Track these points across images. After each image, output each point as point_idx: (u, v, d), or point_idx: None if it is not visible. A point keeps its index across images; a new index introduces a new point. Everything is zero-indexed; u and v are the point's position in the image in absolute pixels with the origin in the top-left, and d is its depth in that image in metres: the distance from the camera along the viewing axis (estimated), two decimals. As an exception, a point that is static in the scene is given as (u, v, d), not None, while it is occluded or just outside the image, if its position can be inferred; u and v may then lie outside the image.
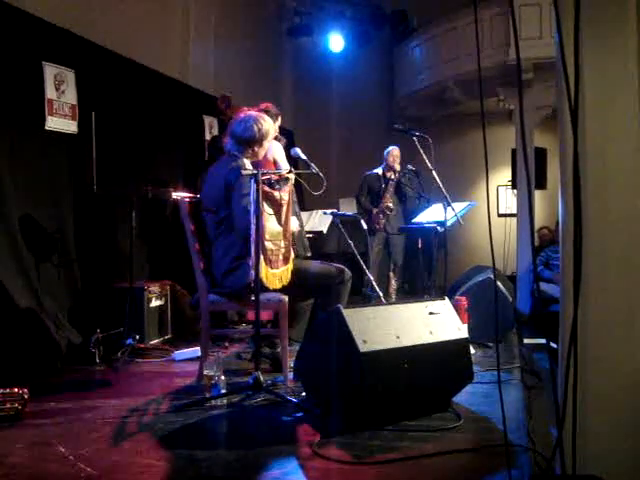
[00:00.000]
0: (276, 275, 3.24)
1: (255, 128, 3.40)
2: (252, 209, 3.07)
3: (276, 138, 4.28)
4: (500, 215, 9.53)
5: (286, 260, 3.32)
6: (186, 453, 2.37)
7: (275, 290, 3.30)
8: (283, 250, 3.29)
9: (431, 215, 5.39)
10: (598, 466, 1.77)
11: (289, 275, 3.32)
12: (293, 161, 4.21)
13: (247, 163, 3.40)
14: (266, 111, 4.13)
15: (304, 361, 2.96)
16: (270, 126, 3.49)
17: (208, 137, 6.51)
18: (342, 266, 3.63)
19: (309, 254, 3.84)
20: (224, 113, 4.06)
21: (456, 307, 3.63)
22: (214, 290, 3.43)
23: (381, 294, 4.02)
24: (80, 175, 4.63)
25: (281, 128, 4.89)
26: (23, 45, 4.19)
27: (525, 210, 7.62)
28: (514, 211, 8.37)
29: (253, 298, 3.11)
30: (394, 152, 6.52)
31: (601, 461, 1.80)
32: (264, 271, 3.14)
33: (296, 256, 3.71)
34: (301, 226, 3.83)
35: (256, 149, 3.46)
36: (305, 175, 3.84)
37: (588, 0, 1.73)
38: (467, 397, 3.08)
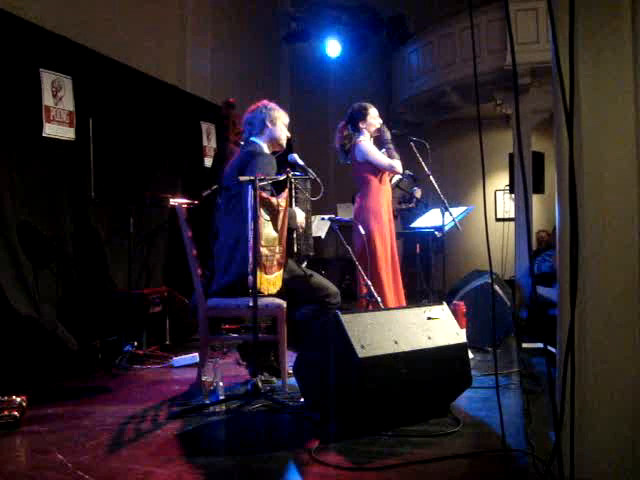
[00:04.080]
0: (270, 281, 3.25)
1: (263, 110, 3.61)
2: (250, 216, 3.07)
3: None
4: (498, 219, 9.56)
5: (280, 265, 3.32)
6: (185, 460, 2.37)
7: (271, 295, 3.30)
8: (278, 256, 3.30)
9: (429, 220, 5.40)
10: (596, 470, 1.77)
11: (281, 280, 3.33)
12: (290, 167, 4.22)
13: (265, 147, 3.55)
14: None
15: (302, 367, 2.96)
16: (279, 112, 3.65)
17: (206, 143, 6.52)
18: (338, 290, 3.64)
19: (312, 253, 3.85)
20: (227, 118, 4.09)
21: (454, 312, 3.64)
22: (213, 290, 3.44)
23: (379, 299, 4.01)
24: (78, 182, 4.63)
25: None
26: (20, 52, 4.19)
27: (523, 214, 7.61)
28: (512, 215, 8.39)
29: (251, 304, 3.11)
30: None
31: (599, 466, 1.80)
32: (258, 277, 3.14)
33: (299, 253, 3.72)
34: (306, 225, 3.82)
35: (270, 127, 3.59)
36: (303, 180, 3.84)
37: (582, 6, 1.75)
38: (466, 402, 3.08)
